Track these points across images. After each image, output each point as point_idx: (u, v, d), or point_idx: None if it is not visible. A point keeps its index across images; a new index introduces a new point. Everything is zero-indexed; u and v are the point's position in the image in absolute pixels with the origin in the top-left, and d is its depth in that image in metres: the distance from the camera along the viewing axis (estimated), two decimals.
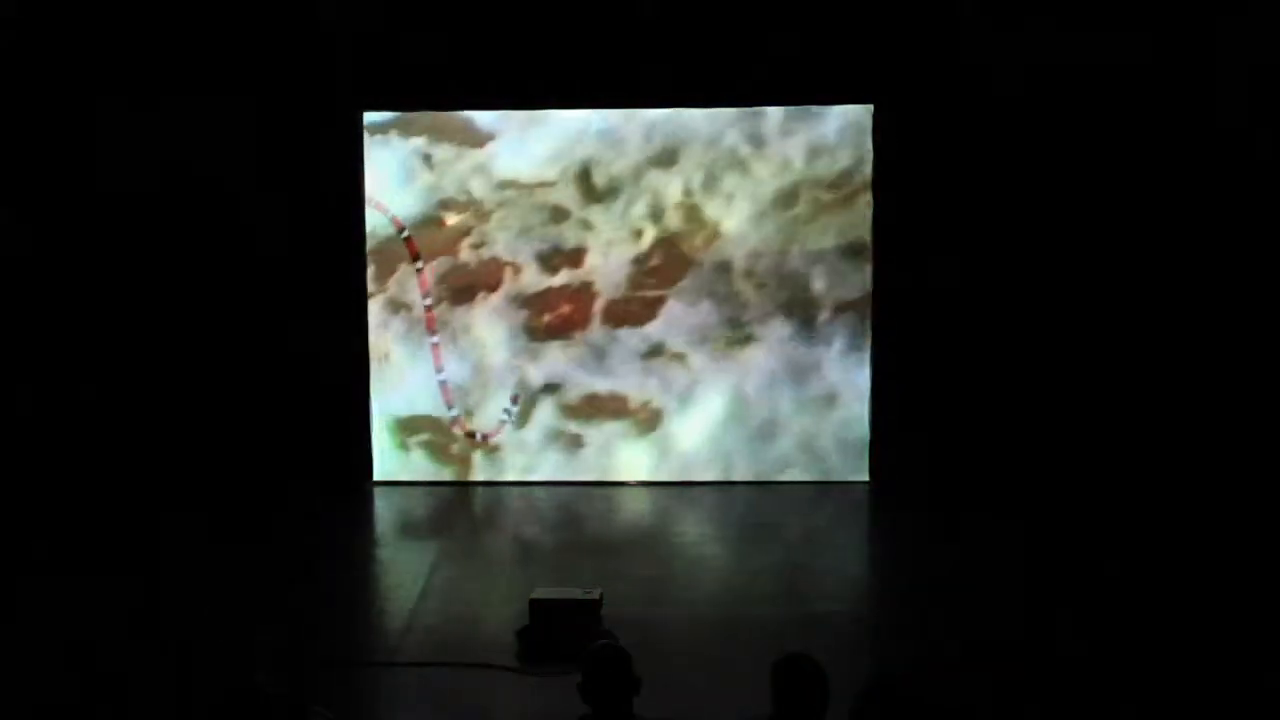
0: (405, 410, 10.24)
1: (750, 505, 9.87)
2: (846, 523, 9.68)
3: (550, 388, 10.21)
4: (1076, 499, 9.47)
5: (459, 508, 9.87)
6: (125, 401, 9.95)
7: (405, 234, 10.01)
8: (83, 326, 9.92)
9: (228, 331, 9.97)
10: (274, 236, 9.85)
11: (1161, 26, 9.49)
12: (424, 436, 10.26)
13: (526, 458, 10.25)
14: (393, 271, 10.12)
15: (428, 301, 10.08)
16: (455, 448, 10.27)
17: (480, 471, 10.25)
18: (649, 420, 10.26)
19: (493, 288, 10.15)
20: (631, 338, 10.18)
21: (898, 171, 9.78)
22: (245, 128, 9.75)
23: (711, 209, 10.02)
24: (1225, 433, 9.60)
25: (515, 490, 10.17)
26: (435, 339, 10.12)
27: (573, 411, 10.22)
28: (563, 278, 10.14)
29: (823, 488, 10.11)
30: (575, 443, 10.24)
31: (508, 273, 10.13)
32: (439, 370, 10.15)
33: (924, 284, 9.83)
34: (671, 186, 10.02)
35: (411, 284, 10.12)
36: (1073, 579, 8.21)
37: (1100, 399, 9.77)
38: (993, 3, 9.56)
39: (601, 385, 10.21)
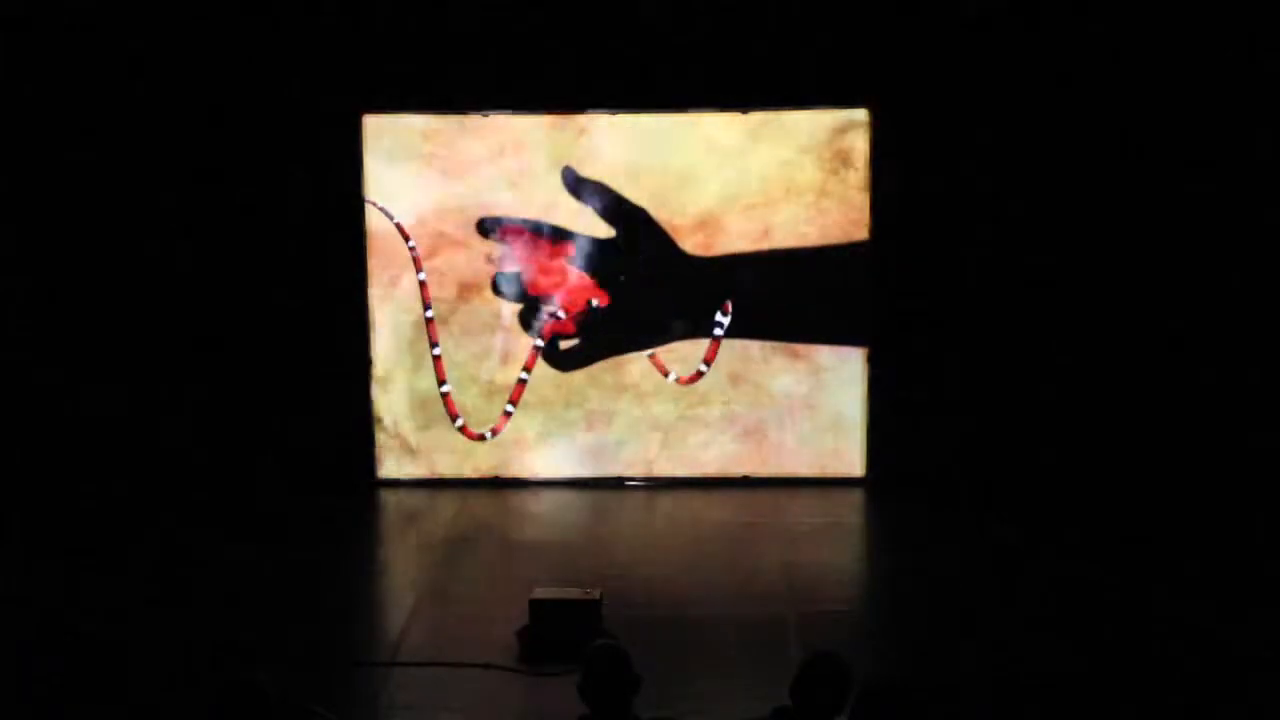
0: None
1: (747, 503, 9.89)
2: (843, 520, 9.68)
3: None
4: (1076, 497, 9.48)
5: (459, 507, 9.88)
6: (124, 402, 9.95)
7: (411, 245, 9.99)
8: (81, 327, 9.93)
9: (227, 331, 9.97)
10: (274, 236, 9.87)
11: (1160, 26, 9.52)
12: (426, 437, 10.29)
13: (526, 456, 10.28)
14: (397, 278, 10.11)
15: (430, 314, 10.07)
16: (456, 446, 10.27)
17: (481, 470, 10.26)
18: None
19: None
20: None
21: (896, 170, 9.80)
22: (244, 128, 9.77)
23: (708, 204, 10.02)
24: (1224, 430, 9.61)
25: (516, 489, 10.18)
26: (437, 350, 10.10)
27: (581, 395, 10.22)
28: None
29: (819, 485, 10.11)
30: (584, 436, 10.24)
31: None
32: (442, 383, 10.14)
33: (921, 282, 9.86)
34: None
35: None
36: (1072, 578, 8.23)
37: (1099, 397, 9.79)
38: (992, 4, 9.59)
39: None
